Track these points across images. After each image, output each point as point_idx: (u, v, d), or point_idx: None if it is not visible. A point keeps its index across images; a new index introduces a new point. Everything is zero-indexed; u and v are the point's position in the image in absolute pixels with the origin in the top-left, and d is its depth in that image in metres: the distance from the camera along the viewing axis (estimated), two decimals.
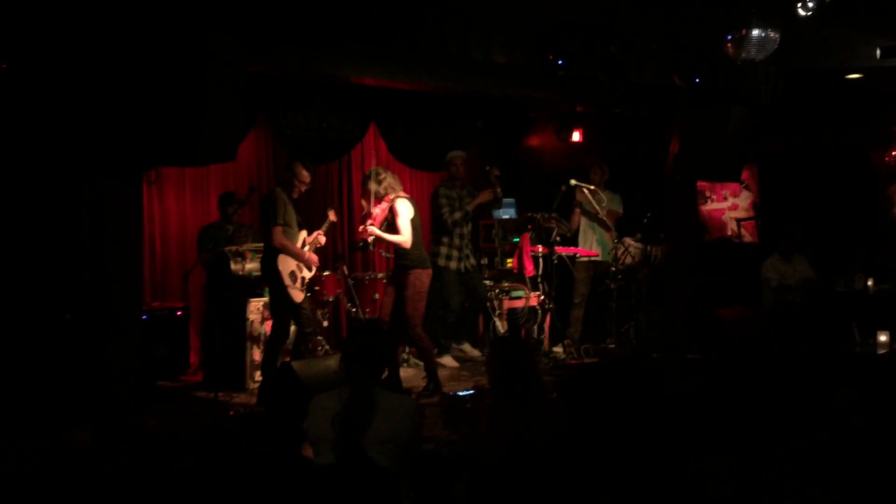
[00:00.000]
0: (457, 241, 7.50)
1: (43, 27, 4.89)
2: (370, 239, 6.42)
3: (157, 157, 4.94)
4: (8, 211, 5.15)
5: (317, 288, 7.23)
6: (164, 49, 4.70)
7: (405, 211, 6.22)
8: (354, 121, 8.28)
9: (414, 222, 6.26)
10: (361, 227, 6.35)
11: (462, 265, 7.54)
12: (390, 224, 6.25)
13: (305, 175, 6.13)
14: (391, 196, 6.26)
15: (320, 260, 7.89)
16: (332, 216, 6.65)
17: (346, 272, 7.55)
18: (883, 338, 6.86)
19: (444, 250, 7.47)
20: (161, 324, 7.05)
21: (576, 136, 9.58)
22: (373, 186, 6.26)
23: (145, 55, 4.72)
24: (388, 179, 6.29)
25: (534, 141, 10.03)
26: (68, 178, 5.13)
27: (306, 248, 6.26)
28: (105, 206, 5.02)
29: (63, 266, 5.14)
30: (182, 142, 4.77)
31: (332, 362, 5.48)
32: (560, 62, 6.21)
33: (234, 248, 6.79)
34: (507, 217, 8.57)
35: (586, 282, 8.08)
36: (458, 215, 7.41)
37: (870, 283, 8.15)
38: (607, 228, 8.03)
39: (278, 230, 5.91)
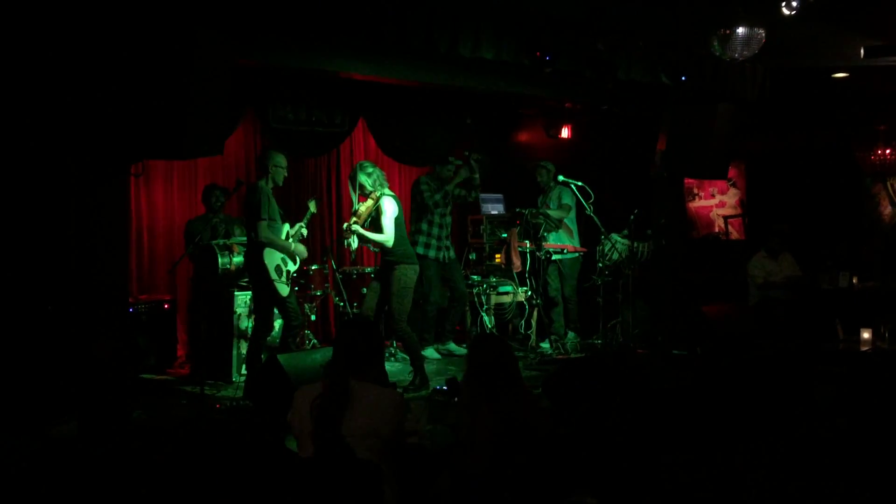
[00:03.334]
0: (435, 230, 7.56)
1: (30, 20, 4.88)
2: (351, 244, 6.39)
3: (144, 149, 4.93)
4: None
5: (302, 282, 7.23)
6: (151, 42, 4.70)
7: (390, 209, 6.24)
8: (343, 115, 8.27)
9: (398, 220, 6.29)
10: (346, 225, 6.35)
11: (441, 255, 7.57)
12: (374, 221, 6.26)
13: (281, 159, 6.10)
14: (376, 194, 6.26)
15: (308, 254, 7.91)
16: (312, 207, 6.64)
17: (335, 266, 7.56)
18: (866, 335, 6.92)
19: (422, 238, 7.54)
20: (147, 317, 7.05)
21: (564, 133, 9.60)
22: (362, 179, 6.26)
23: (132, 47, 4.72)
24: (376, 174, 6.30)
25: (522, 137, 10.05)
26: (54, 170, 5.11)
27: (290, 241, 6.26)
28: (91, 198, 5.01)
29: (48, 258, 5.12)
30: (168, 135, 4.77)
31: (319, 356, 5.50)
32: (548, 59, 6.22)
33: (221, 241, 6.79)
34: (495, 212, 8.60)
35: (554, 277, 8.09)
36: (438, 196, 7.52)
37: (854, 280, 8.22)
38: (557, 226, 8.07)
39: (263, 225, 5.90)
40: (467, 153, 7.67)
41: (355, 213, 6.33)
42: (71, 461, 4.48)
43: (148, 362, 6.99)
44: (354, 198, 6.36)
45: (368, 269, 7.83)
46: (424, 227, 7.57)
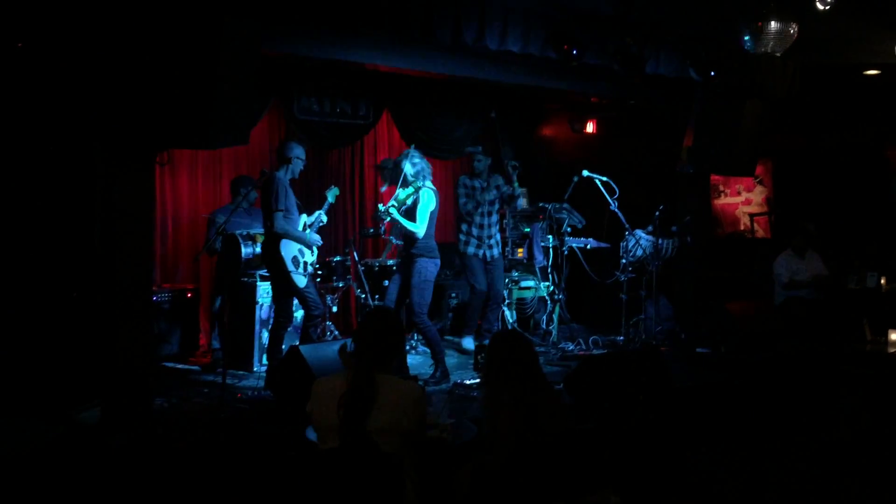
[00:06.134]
0: (475, 230, 7.53)
1: (58, 7, 4.90)
2: (383, 220, 6.37)
3: (169, 138, 4.93)
4: (21, 190, 5.16)
5: (321, 272, 7.22)
6: (178, 31, 4.69)
7: (428, 202, 6.24)
8: (368, 107, 8.27)
9: (433, 215, 6.28)
10: (383, 208, 6.29)
11: (482, 252, 7.53)
12: (409, 211, 6.25)
13: (301, 151, 6.09)
14: (417, 184, 6.22)
15: (330, 246, 7.92)
16: (330, 196, 6.62)
17: (357, 258, 7.55)
18: (894, 336, 6.82)
19: (462, 237, 7.58)
20: (171, 305, 7.08)
21: (590, 128, 9.54)
22: (406, 167, 6.25)
23: (159, 37, 4.72)
24: (421, 165, 6.29)
25: (547, 131, 10.00)
26: (81, 158, 5.14)
27: (307, 232, 6.25)
28: (117, 186, 5.02)
29: (74, 245, 5.16)
30: (194, 124, 4.77)
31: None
32: (575, 53, 6.17)
33: (244, 231, 6.80)
34: (518, 207, 8.55)
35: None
36: (470, 205, 7.49)
37: (882, 281, 8.09)
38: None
39: (279, 216, 5.90)
40: (506, 162, 7.61)
41: (396, 199, 6.29)
42: (93, 448, 4.52)
43: (169, 350, 7.03)
44: (385, 184, 6.32)
45: (391, 262, 7.82)
46: (464, 227, 7.57)
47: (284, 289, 6.08)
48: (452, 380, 6.20)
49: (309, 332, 6.25)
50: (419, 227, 6.19)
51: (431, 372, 6.33)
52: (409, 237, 6.28)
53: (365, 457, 3.02)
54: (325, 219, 6.46)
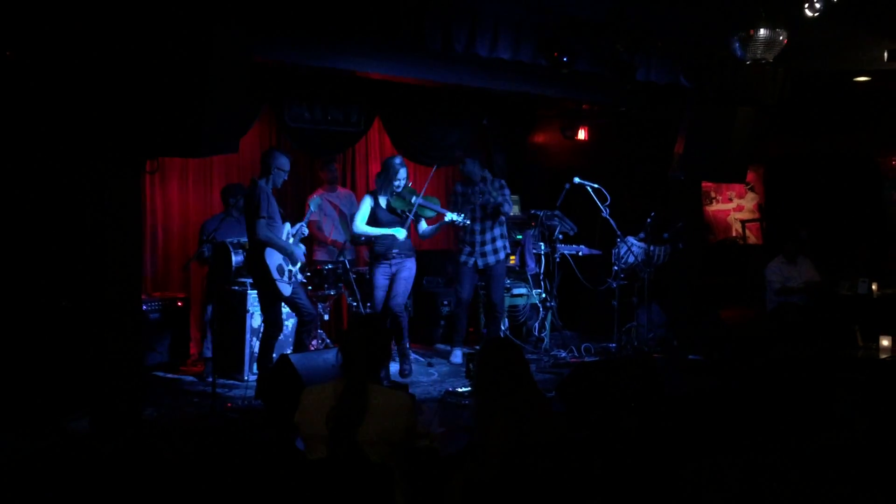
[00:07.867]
0: (467, 236, 7.49)
1: (48, 16, 4.88)
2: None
3: (159, 146, 4.92)
4: (9, 197, 5.13)
5: (312, 280, 7.19)
6: (168, 39, 4.69)
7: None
8: (359, 115, 8.25)
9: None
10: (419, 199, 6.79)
11: (474, 260, 7.46)
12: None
13: (284, 162, 5.99)
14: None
15: (323, 253, 7.89)
16: (312, 206, 6.58)
17: (348, 266, 7.52)
18: (885, 342, 6.81)
19: (459, 244, 7.55)
20: (161, 314, 7.05)
21: (581, 135, 9.55)
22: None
23: (149, 44, 4.71)
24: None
25: (539, 138, 10.00)
26: (70, 166, 5.12)
27: (290, 241, 6.20)
28: (106, 194, 5.01)
29: (63, 254, 5.13)
30: (184, 132, 4.76)
31: (331, 356, 5.46)
32: (565, 60, 6.18)
33: (234, 240, 6.78)
34: (510, 214, 8.54)
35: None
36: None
37: (874, 286, 8.11)
38: None
39: (262, 223, 5.82)
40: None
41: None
42: (82, 457, 4.49)
43: (160, 359, 6.99)
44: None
45: None
46: (459, 233, 7.54)
47: (272, 297, 6.00)
48: (444, 388, 6.18)
49: (302, 338, 6.21)
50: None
51: (425, 380, 6.33)
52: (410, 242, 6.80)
53: (354, 467, 2.99)
54: (306, 231, 6.39)
